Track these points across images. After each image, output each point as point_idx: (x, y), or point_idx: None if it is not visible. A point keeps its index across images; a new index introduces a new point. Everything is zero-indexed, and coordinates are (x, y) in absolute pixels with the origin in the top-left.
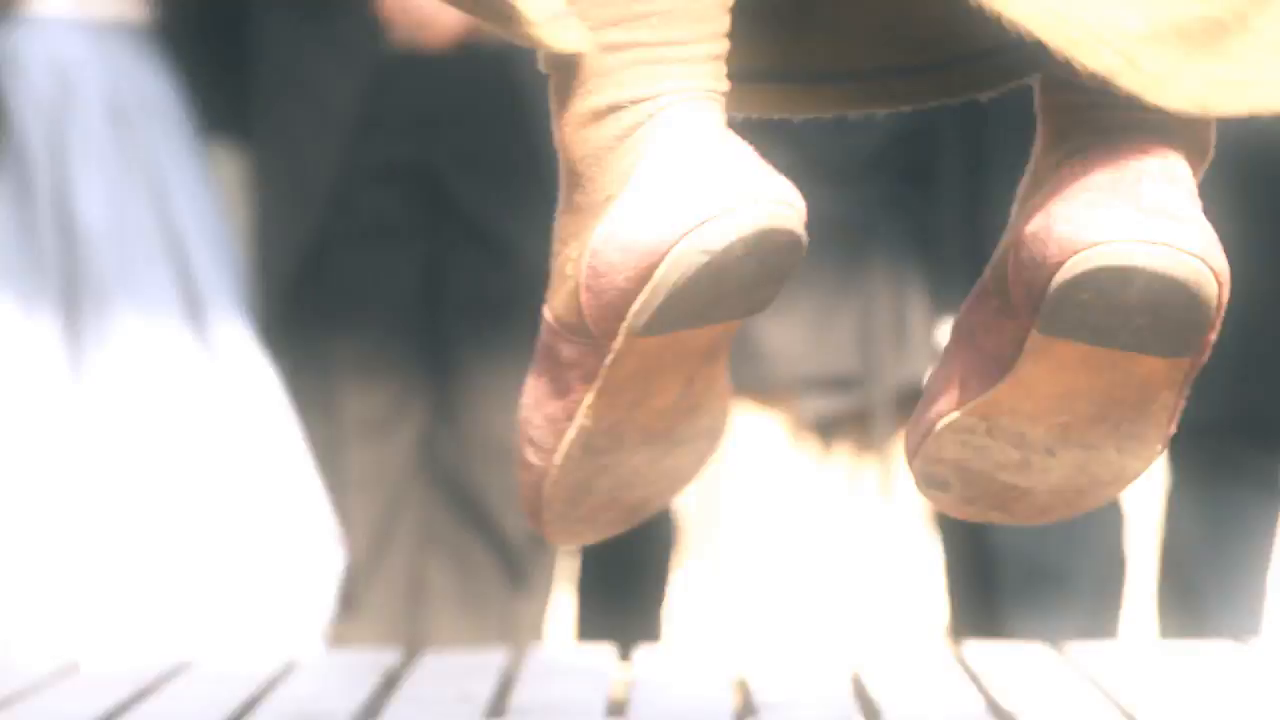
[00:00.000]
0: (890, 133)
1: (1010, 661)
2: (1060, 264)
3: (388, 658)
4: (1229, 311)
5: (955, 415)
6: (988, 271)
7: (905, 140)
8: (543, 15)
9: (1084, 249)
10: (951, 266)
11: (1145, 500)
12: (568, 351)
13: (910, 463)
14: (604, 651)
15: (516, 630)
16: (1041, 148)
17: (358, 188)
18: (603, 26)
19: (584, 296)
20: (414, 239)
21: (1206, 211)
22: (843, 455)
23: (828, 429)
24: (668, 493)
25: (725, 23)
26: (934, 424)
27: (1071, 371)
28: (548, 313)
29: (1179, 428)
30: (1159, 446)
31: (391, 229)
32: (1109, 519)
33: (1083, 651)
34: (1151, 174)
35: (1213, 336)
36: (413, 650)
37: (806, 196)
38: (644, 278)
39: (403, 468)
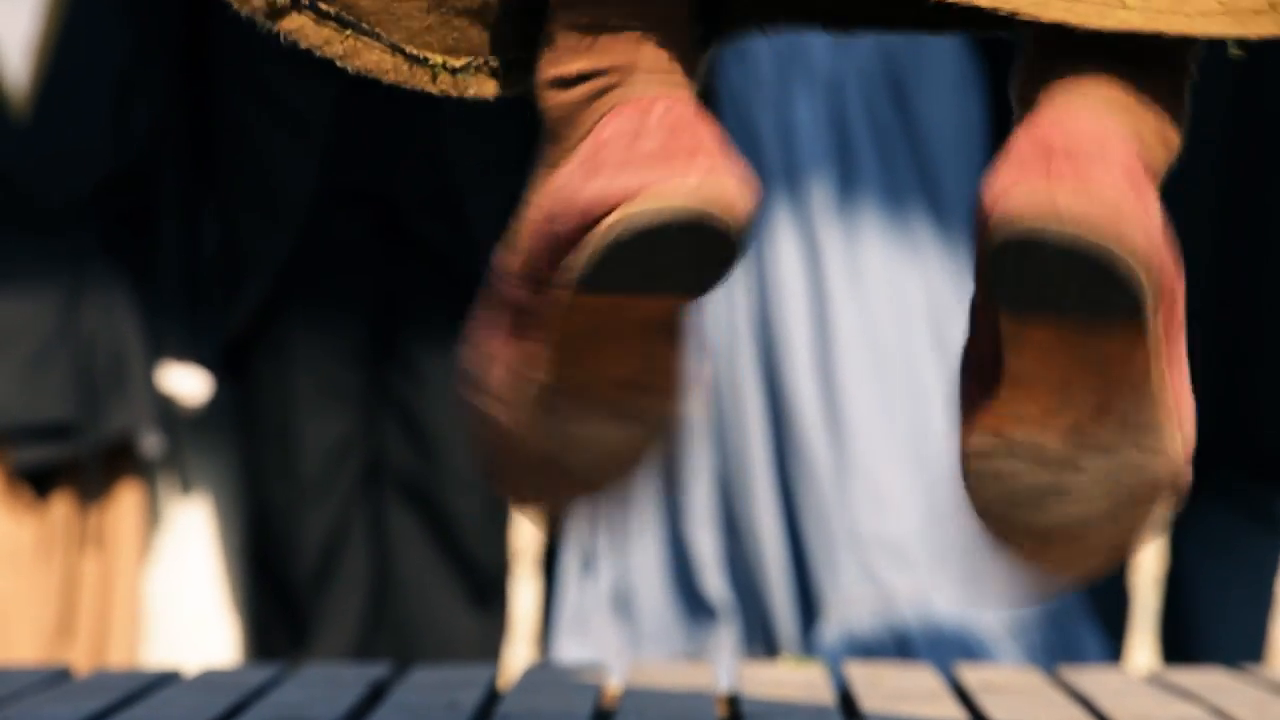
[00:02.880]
0: (103, 175)
1: (1004, 683)
2: (986, 232)
3: (377, 669)
4: (1228, 340)
5: (971, 438)
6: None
7: (120, 183)
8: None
9: (994, 219)
10: (170, 310)
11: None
12: (520, 293)
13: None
14: (593, 665)
15: (478, 650)
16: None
17: (322, 214)
18: (565, 6)
19: (529, 239)
20: (374, 265)
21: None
22: (60, 506)
23: (43, 480)
24: (626, 475)
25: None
26: (961, 460)
27: (1052, 355)
28: (504, 262)
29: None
30: (1177, 435)
31: (352, 255)
32: None
33: (1079, 677)
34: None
35: (1173, 284)
36: (401, 662)
37: (17, 242)
38: (582, 235)
39: (358, 487)
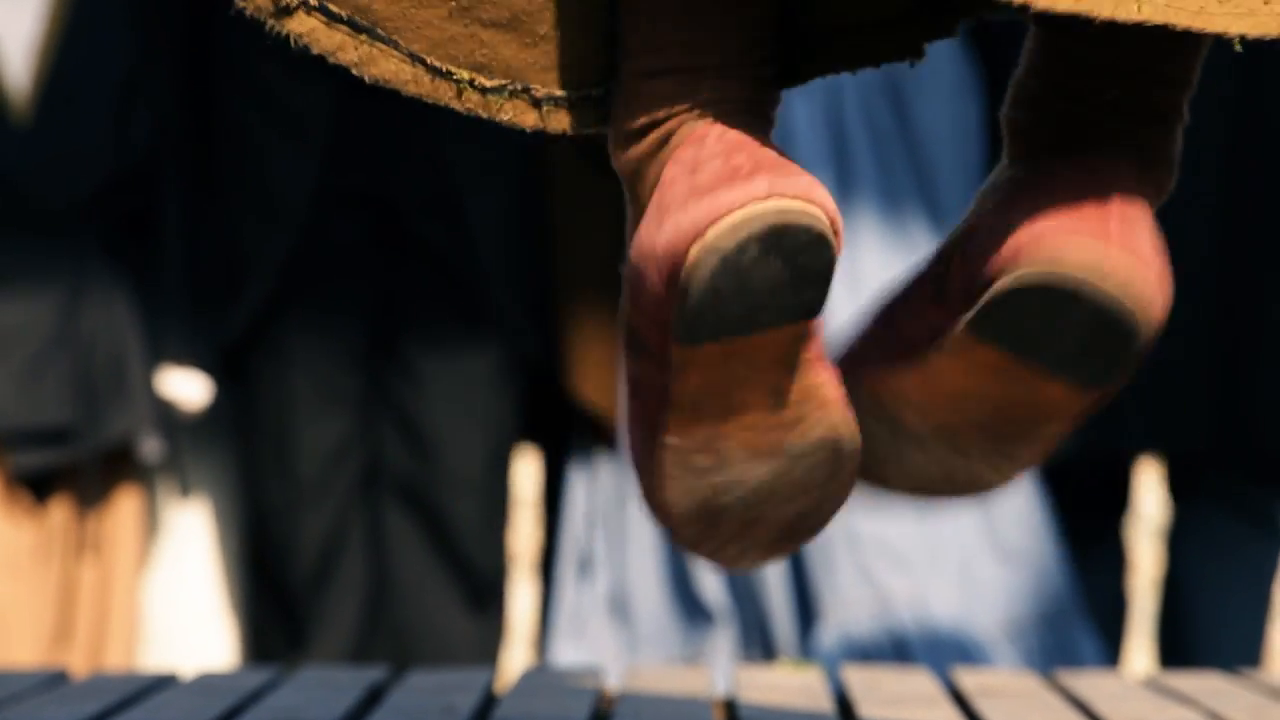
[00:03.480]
0: (103, 178)
1: (1001, 687)
2: (1009, 268)
3: (373, 673)
4: (1228, 345)
5: (844, 384)
6: (931, 257)
7: (120, 186)
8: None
9: (1039, 258)
10: (170, 314)
11: (1145, 535)
12: (636, 371)
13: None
14: (590, 668)
15: (476, 653)
16: (1007, 150)
17: (321, 216)
18: (636, 54)
19: (628, 308)
20: (373, 268)
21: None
22: (59, 511)
23: (41, 484)
24: (822, 507)
25: (758, 41)
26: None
27: (979, 376)
28: (621, 344)
29: (1177, 461)
30: (1021, 472)
31: (351, 257)
32: (1111, 560)
33: (1076, 681)
34: (1121, 204)
35: (1135, 370)
36: (398, 666)
37: (17, 245)
38: (670, 283)
39: (356, 489)
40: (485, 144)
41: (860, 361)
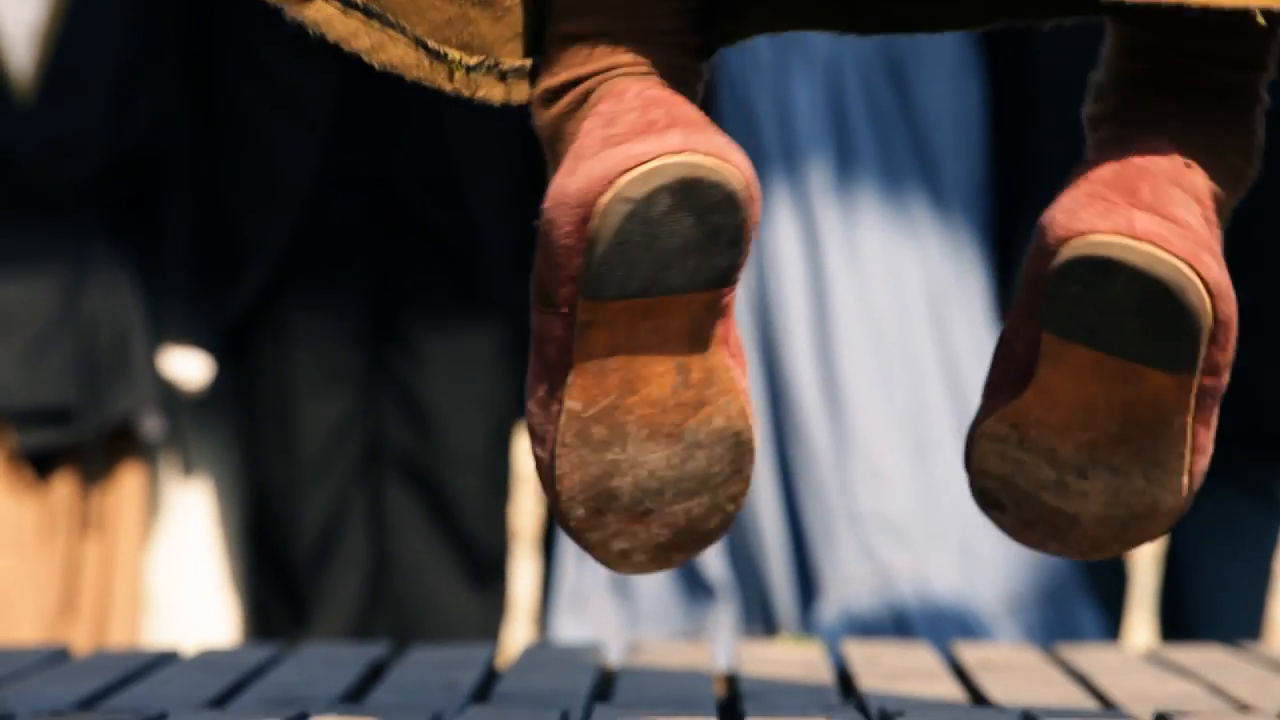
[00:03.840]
0: (105, 159)
1: (1002, 661)
2: (1054, 253)
3: (376, 648)
4: None
5: (989, 423)
6: (1022, 269)
7: (122, 167)
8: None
9: (1072, 238)
10: (173, 294)
11: None
12: (542, 326)
13: (968, 478)
14: (591, 644)
15: (478, 629)
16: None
17: (323, 196)
18: (560, 19)
19: (539, 260)
20: (374, 247)
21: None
22: (62, 488)
23: (45, 462)
24: (717, 509)
25: (680, 10)
26: (974, 433)
27: (1086, 381)
28: (531, 296)
29: None
30: (1185, 480)
31: (352, 237)
32: None
33: (1077, 655)
34: (1156, 174)
35: (1222, 356)
36: (400, 642)
37: (20, 226)
38: (581, 232)
39: (358, 467)
40: (487, 124)
41: (996, 394)
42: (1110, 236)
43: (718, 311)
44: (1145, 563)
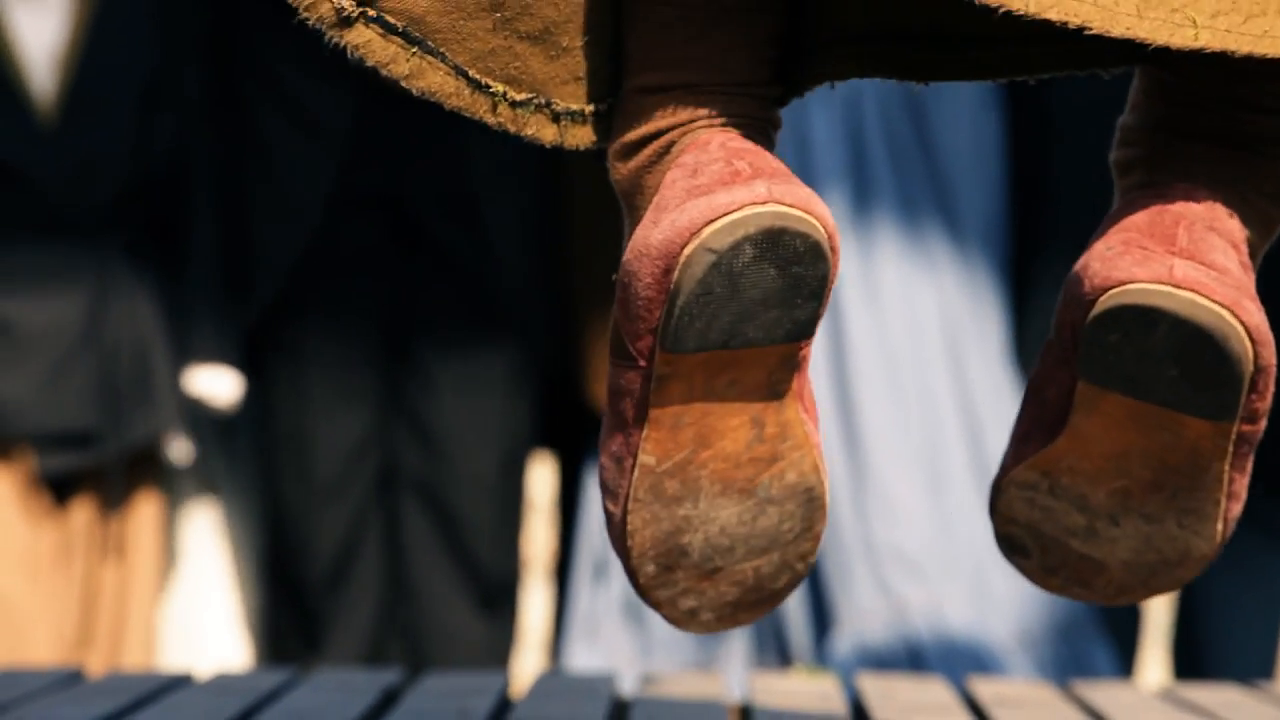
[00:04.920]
0: (127, 181)
1: (1016, 697)
2: (1092, 302)
3: (388, 675)
4: None
5: (1019, 470)
6: (1055, 317)
7: (143, 189)
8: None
9: (1111, 287)
10: (198, 313)
11: None
12: (618, 380)
13: (992, 524)
14: (604, 673)
15: (490, 656)
16: (1116, 190)
17: (339, 218)
18: (639, 71)
19: (617, 312)
20: (390, 270)
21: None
22: (81, 513)
23: (64, 485)
24: (786, 567)
25: (762, 61)
26: (1002, 480)
27: (1122, 429)
28: (610, 350)
29: None
30: (1219, 526)
31: (368, 259)
32: None
33: (1092, 692)
34: (1193, 221)
35: (1261, 404)
36: (413, 668)
37: (42, 248)
38: (662, 284)
39: (372, 491)
40: (504, 147)
41: (1026, 442)
42: (1150, 285)
43: (794, 364)
44: (1158, 600)
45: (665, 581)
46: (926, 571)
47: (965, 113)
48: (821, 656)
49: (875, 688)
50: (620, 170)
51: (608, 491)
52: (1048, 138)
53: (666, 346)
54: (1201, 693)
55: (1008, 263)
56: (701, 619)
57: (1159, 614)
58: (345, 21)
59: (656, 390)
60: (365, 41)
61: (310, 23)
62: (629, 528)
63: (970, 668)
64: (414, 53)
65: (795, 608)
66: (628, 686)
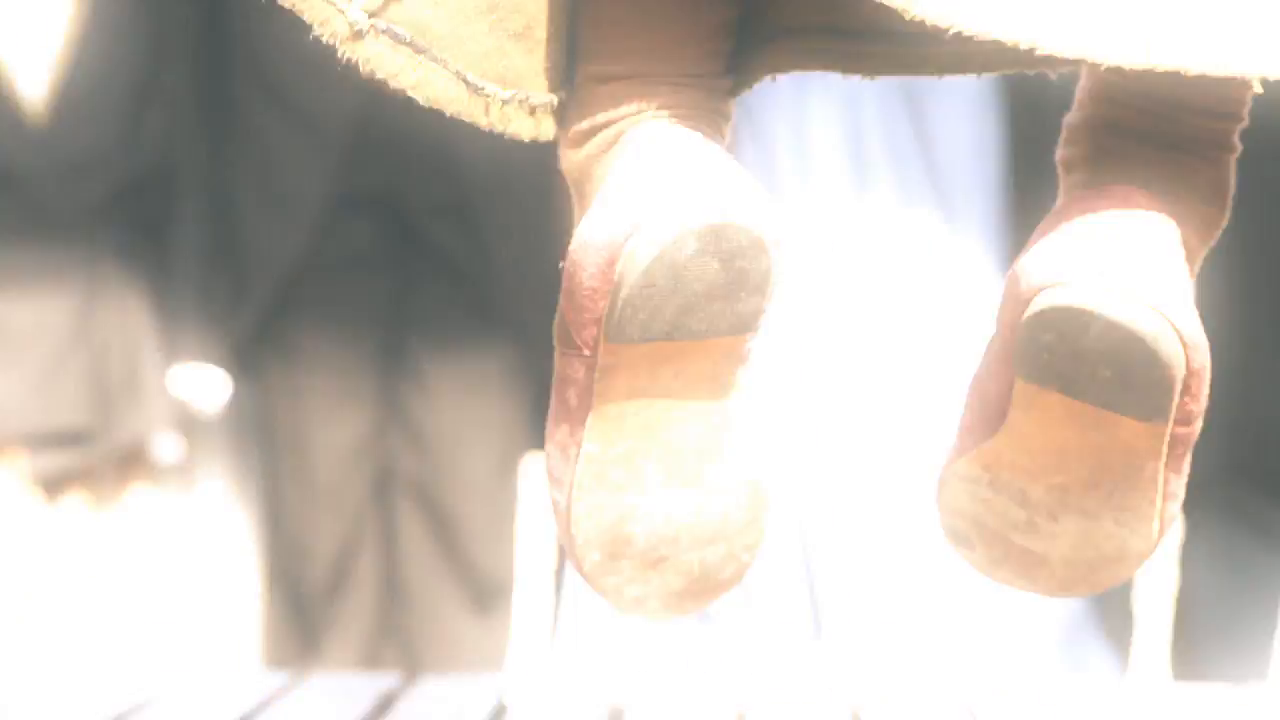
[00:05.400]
0: (118, 181)
1: (1013, 700)
2: (1027, 301)
3: (385, 679)
4: (1238, 358)
5: (960, 463)
6: (996, 314)
7: (134, 188)
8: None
9: (1046, 288)
10: (188, 314)
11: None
12: (564, 368)
13: (939, 515)
14: (600, 679)
15: (485, 658)
16: (1060, 189)
17: (335, 219)
18: (591, 60)
19: (562, 301)
20: (386, 271)
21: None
22: (73, 510)
23: (56, 484)
24: (732, 558)
25: (713, 53)
26: (945, 473)
27: (1059, 426)
28: (555, 340)
29: (1194, 476)
30: (1155, 525)
31: (364, 261)
32: None
33: (1089, 694)
34: (1130, 222)
35: (1194, 406)
36: (409, 670)
37: (32, 247)
38: (606, 275)
39: (369, 495)
40: (499, 147)
41: (968, 435)
42: (1084, 286)
43: (740, 357)
44: (1156, 601)
45: (611, 570)
46: (921, 571)
47: (964, 110)
48: (817, 658)
49: (873, 693)
50: (570, 158)
51: (553, 480)
52: (1046, 136)
53: (611, 337)
54: (1197, 694)
55: (1007, 262)
56: (647, 607)
57: (1155, 616)
58: (358, 35)
59: (601, 380)
60: (376, 54)
61: (324, 38)
62: (573, 515)
63: (969, 671)
64: (420, 61)
65: (791, 611)
66: (622, 690)
